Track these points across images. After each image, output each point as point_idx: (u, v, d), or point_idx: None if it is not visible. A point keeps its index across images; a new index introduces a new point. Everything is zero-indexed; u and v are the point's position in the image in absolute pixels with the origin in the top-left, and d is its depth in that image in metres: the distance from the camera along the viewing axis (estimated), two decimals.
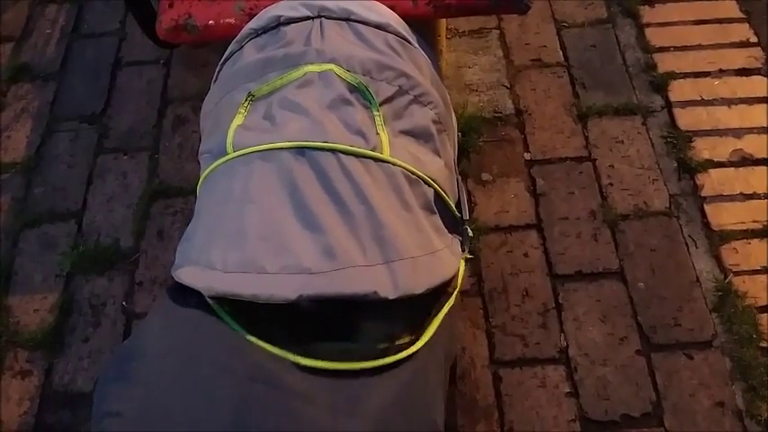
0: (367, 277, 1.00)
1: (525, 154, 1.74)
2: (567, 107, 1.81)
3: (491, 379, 1.44)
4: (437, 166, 1.24)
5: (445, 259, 1.14)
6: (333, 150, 1.09)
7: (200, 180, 1.20)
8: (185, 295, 1.09)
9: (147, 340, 1.04)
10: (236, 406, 0.90)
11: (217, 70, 1.38)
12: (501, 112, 1.80)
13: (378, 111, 1.19)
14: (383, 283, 1.00)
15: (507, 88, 1.86)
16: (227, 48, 1.41)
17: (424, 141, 1.23)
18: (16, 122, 1.91)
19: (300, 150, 1.09)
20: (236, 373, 0.94)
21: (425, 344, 1.04)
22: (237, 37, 1.35)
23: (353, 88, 1.20)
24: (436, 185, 1.20)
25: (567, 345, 1.47)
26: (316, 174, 1.08)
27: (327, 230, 1.02)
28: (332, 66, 1.21)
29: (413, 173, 1.15)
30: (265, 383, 0.93)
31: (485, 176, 1.70)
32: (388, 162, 1.13)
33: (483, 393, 1.42)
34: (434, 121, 1.26)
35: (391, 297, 0.99)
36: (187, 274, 1.05)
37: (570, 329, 1.48)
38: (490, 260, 1.58)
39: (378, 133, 1.16)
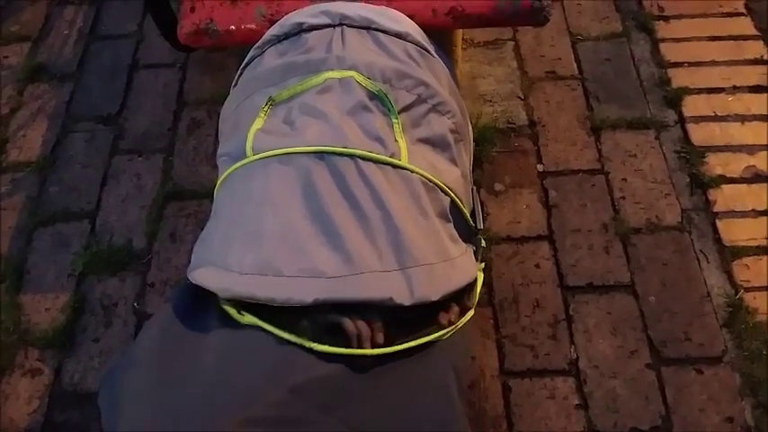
0: (383, 283, 1.00)
1: (538, 165, 1.75)
2: (580, 120, 1.82)
3: (500, 389, 1.44)
4: (454, 176, 1.25)
5: (460, 267, 1.14)
6: (351, 156, 1.10)
7: (219, 182, 1.21)
8: (196, 298, 1.10)
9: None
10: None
11: (237, 75, 1.39)
12: (514, 123, 1.81)
13: (396, 118, 1.20)
14: (399, 290, 1.00)
15: (521, 99, 1.87)
16: (245, 52, 1.42)
17: (441, 150, 1.24)
18: (32, 122, 1.92)
19: (319, 155, 1.10)
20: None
21: (439, 346, 1.05)
22: (259, 42, 1.37)
23: (373, 96, 1.21)
24: (452, 194, 1.20)
25: (577, 356, 1.47)
26: (334, 178, 1.09)
27: (344, 235, 1.03)
28: (352, 73, 1.22)
29: (430, 180, 1.16)
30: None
31: (497, 187, 1.71)
32: (406, 169, 1.14)
33: (492, 403, 1.42)
34: (452, 131, 1.27)
35: (407, 303, 1.00)
36: (203, 276, 1.06)
37: (580, 341, 1.48)
38: (501, 270, 1.58)
39: (396, 140, 1.17)
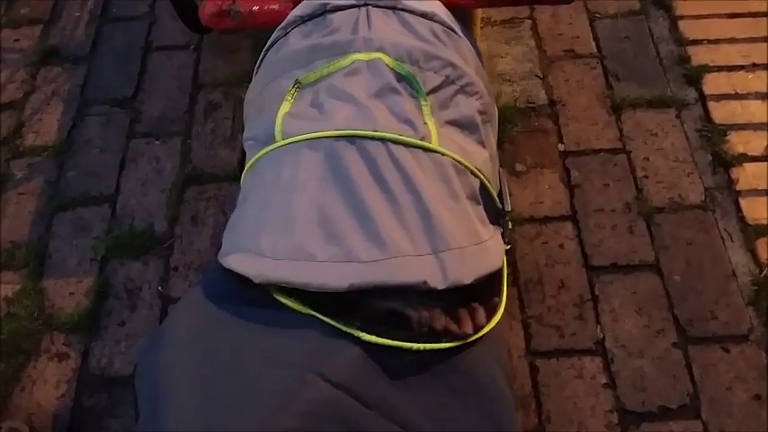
0: (417, 267, 1.00)
1: (559, 145, 1.74)
2: (600, 98, 1.81)
3: (528, 369, 1.44)
4: (482, 157, 1.24)
5: (491, 250, 1.14)
6: (382, 139, 1.09)
7: (247, 167, 1.20)
8: (230, 281, 1.09)
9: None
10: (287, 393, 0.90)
11: (261, 57, 1.38)
12: (534, 103, 1.80)
13: (425, 100, 1.19)
14: (433, 273, 1.00)
15: (540, 79, 1.86)
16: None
17: (469, 132, 1.23)
18: (47, 105, 1.91)
19: (350, 139, 1.09)
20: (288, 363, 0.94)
21: (483, 336, 1.04)
22: (283, 24, 1.35)
23: (401, 77, 1.20)
24: (482, 176, 1.20)
25: (604, 336, 1.47)
26: (365, 162, 1.08)
27: (377, 219, 1.02)
28: (380, 54, 1.21)
29: (460, 163, 1.15)
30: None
31: (519, 167, 1.70)
32: (436, 152, 1.13)
33: (520, 383, 1.42)
34: (480, 112, 1.26)
35: (440, 287, 0.99)
36: (236, 261, 1.05)
37: (606, 321, 1.49)
38: (525, 251, 1.58)
39: (425, 123, 1.16)
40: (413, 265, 1.00)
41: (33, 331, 1.53)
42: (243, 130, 1.77)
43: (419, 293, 1.02)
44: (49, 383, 1.48)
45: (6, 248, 1.66)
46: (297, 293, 1.01)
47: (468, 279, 1.04)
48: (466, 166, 1.16)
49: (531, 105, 1.80)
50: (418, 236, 1.03)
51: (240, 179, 1.70)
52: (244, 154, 1.73)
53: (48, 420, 1.43)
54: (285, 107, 1.19)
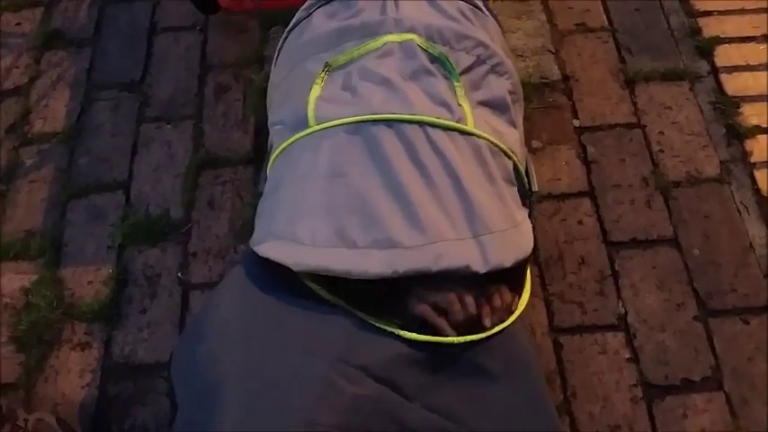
0: (458, 252, 1.00)
1: (574, 121, 1.74)
2: (613, 72, 1.81)
3: (552, 346, 1.46)
4: (513, 138, 1.24)
5: (525, 232, 1.14)
6: (420, 123, 1.09)
7: (276, 152, 1.19)
8: (264, 270, 1.08)
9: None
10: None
11: (282, 39, 1.37)
12: (548, 78, 1.80)
13: (458, 81, 1.18)
14: (474, 258, 1.00)
15: (552, 53, 1.85)
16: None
17: (500, 113, 1.23)
18: (53, 91, 1.88)
19: (388, 123, 1.08)
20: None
21: (517, 318, 1.05)
22: (305, 5, 1.33)
23: (434, 58, 1.19)
24: (515, 158, 1.20)
25: (626, 311, 1.48)
26: (403, 147, 1.07)
27: (417, 204, 1.02)
28: (412, 36, 1.20)
29: (495, 145, 1.15)
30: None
31: (535, 144, 1.70)
32: (473, 134, 1.13)
33: (545, 360, 1.43)
34: (510, 92, 1.26)
35: (482, 271, 1.00)
36: (272, 249, 1.04)
37: (627, 296, 1.50)
38: (545, 228, 1.59)
39: (460, 104, 1.16)
40: (455, 250, 1.00)
41: (54, 321, 1.52)
42: (252, 113, 1.76)
43: (454, 279, 1.02)
44: (72, 373, 1.48)
45: (20, 238, 1.64)
46: (329, 284, 1.01)
47: (508, 262, 1.04)
48: (500, 148, 1.16)
49: (544, 81, 1.79)
50: (458, 220, 1.03)
51: (255, 163, 1.70)
52: (257, 137, 1.73)
53: (74, 410, 1.43)
54: (316, 91, 1.17)
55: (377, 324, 0.96)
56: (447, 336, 0.95)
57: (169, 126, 1.80)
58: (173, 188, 1.70)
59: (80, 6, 2.04)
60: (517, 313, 1.04)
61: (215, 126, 1.79)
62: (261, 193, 1.26)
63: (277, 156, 1.18)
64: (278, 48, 1.38)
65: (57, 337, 1.51)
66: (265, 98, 1.78)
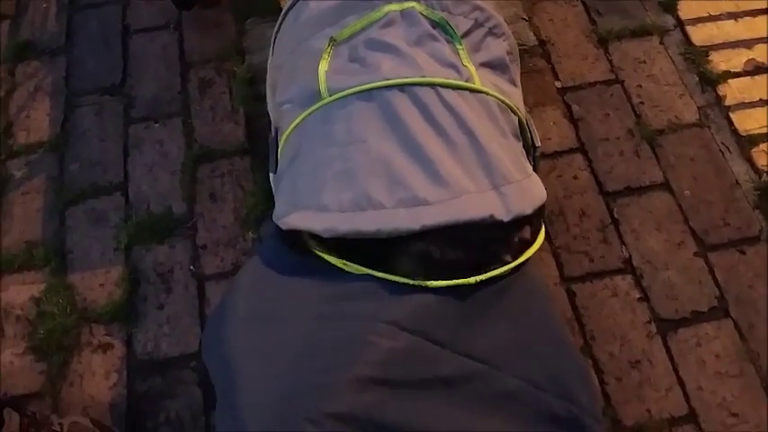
0: (481, 203, 1.04)
1: (556, 82, 1.80)
2: (586, 34, 1.88)
3: (565, 295, 1.52)
4: (517, 96, 1.29)
5: (537, 182, 1.19)
6: (431, 84, 1.13)
7: (290, 128, 1.21)
8: (282, 249, 1.11)
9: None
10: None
11: (279, 22, 1.38)
12: (525, 45, 1.85)
13: (461, 44, 1.22)
14: (497, 207, 1.05)
15: (526, 21, 1.91)
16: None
17: (501, 72, 1.28)
18: (33, 101, 1.85)
19: (400, 87, 1.12)
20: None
21: (528, 260, 1.10)
22: None
23: (435, 24, 1.23)
24: (519, 114, 1.25)
25: (630, 255, 1.55)
26: (418, 108, 1.11)
27: (436, 162, 1.06)
28: (412, 3, 1.23)
29: (503, 102, 1.20)
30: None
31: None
32: (482, 92, 1.17)
33: (561, 309, 1.49)
34: (508, 52, 1.31)
35: (506, 220, 1.05)
36: (300, 220, 1.07)
37: (630, 241, 1.57)
38: (543, 186, 1.64)
39: (465, 65, 1.20)
40: (478, 202, 1.04)
41: (70, 327, 1.51)
42: (240, 104, 1.77)
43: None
44: (97, 375, 1.47)
45: (22, 249, 1.62)
46: (347, 256, 1.04)
47: (529, 209, 1.09)
48: (507, 105, 1.21)
49: (522, 47, 1.84)
50: (478, 174, 1.08)
51: (251, 152, 1.71)
52: (249, 127, 1.74)
53: (104, 410, 1.43)
54: (324, 66, 1.20)
55: (399, 281, 1.00)
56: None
57: (158, 125, 1.79)
58: (171, 185, 1.69)
59: (47, 16, 2.00)
60: (533, 249, 1.10)
61: (205, 120, 1.79)
62: (274, 174, 1.28)
63: (290, 132, 1.20)
64: (275, 31, 1.39)
65: (76, 342, 1.50)
66: (252, 88, 1.81)
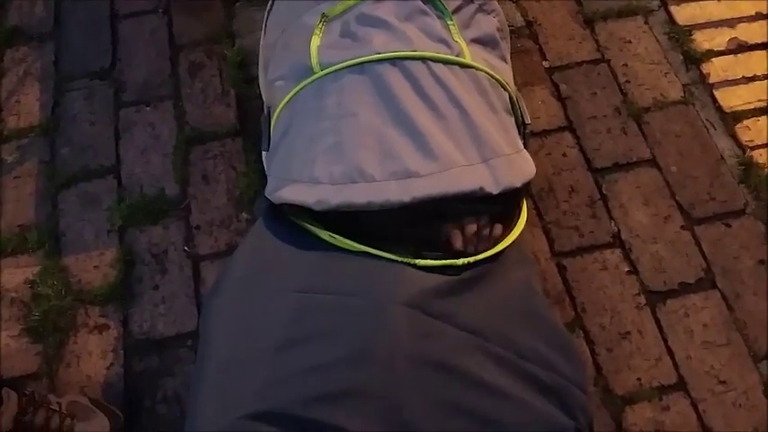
0: (471, 175, 1.07)
1: (544, 62, 1.82)
2: (572, 14, 1.90)
3: (556, 269, 1.54)
4: (507, 72, 1.31)
5: (527, 158, 1.22)
6: (422, 59, 1.14)
7: (282, 104, 1.22)
8: (278, 224, 1.13)
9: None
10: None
11: (271, 1, 1.39)
12: (513, 25, 1.87)
13: (452, 20, 1.24)
14: (486, 180, 1.07)
15: (513, 2, 1.93)
16: None
17: (491, 48, 1.30)
18: (22, 86, 1.84)
19: (392, 61, 1.13)
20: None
21: (517, 238, 1.13)
22: None
23: (426, 0, 1.24)
24: (510, 90, 1.27)
25: (619, 229, 1.58)
26: (409, 82, 1.13)
27: (427, 135, 1.08)
28: None
29: (493, 77, 1.22)
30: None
31: None
32: (472, 67, 1.19)
33: (552, 283, 1.52)
34: (498, 29, 1.32)
35: (495, 192, 1.07)
36: (291, 193, 1.09)
37: (618, 215, 1.60)
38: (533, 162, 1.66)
39: (455, 41, 1.21)
40: (467, 174, 1.06)
41: (65, 308, 1.51)
42: (231, 86, 1.78)
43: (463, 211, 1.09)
44: (94, 355, 1.47)
45: (15, 233, 1.62)
46: (341, 232, 1.06)
47: (518, 182, 1.12)
48: (498, 80, 1.23)
49: (510, 28, 1.84)
50: (468, 147, 1.10)
51: (242, 134, 1.72)
52: (240, 109, 1.75)
53: (102, 390, 1.44)
54: (316, 41, 1.21)
55: (388, 257, 1.01)
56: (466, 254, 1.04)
57: (149, 108, 1.79)
58: (164, 167, 1.70)
59: (35, 1, 1.99)
60: (518, 230, 1.12)
61: (196, 103, 1.79)
62: (266, 152, 1.29)
63: (282, 107, 1.21)
64: (267, 10, 1.40)
65: (71, 323, 1.51)
66: (242, 71, 1.82)
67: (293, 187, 1.09)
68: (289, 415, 0.86)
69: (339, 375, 0.89)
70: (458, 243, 1.07)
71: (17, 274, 1.56)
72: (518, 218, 1.16)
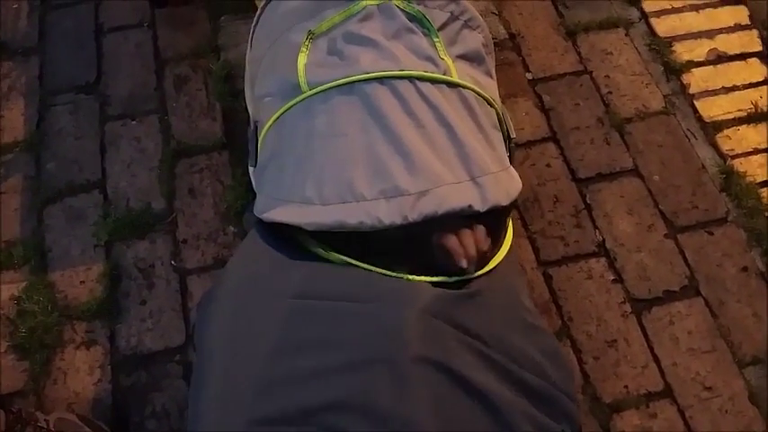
0: (460, 193, 1.08)
1: (527, 74, 1.85)
2: (555, 27, 1.93)
3: (542, 279, 1.56)
4: (493, 88, 1.32)
5: (514, 174, 1.23)
6: (410, 77, 1.15)
7: (270, 122, 1.22)
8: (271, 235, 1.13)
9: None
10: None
11: (257, 15, 1.39)
12: (496, 38, 1.89)
13: (438, 37, 1.25)
14: (474, 198, 1.08)
15: (496, 15, 1.95)
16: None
17: (477, 64, 1.31)
18: (7, 101, 1.84)
19: (380, 80, 1.14)
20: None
21: (507, 254, 1.15)
22: None
23: (412, 17, 1.25)
24: (496, 106, 1.28)
25: (603, 239, 1.60)
26: (397, 101, 1.13)
27: (416, 153, 1.09)
28: None
29: (479, 94, 1.23)
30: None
31: None
32: (459, 85, 1.20)
33: (538, 292, 1.53)
34: (483, 45, 1.34)
35: (483, 210, 1.08)
36: (282, 213, 1.09)
37: (603, 225, 1.62)
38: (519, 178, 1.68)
39: (442, 59, 1.23)
40: (455, 192, 1.07)
41: (52, 324, 1.51)
42: (217, 100, 1.79)
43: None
44: (81, 371, 1.47)
45: (0, 249, 1.61)
46: (332, 245, 1.07)
47: (505, 201, 1.13)
48: (484, 97, 1.24)
49: (494, 40, 1.86)
50: (455, 165, 1.11)
51: (228, 147, 1.73)
52: (226, 123, 1.75)
53: (90, 406, 1.43)
54: (303, 59, 1.21)
55: (388, 274, 1.02)
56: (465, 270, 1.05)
57: (134, 122, 1.79)
58: (150, 181, 1.70)
59: (19, 16, 1.99)
60: (506, 247, 1.14)
61: (181, 117, 1.80)
62: (254, 167, 1.30)
63: (271, 126, 1.21)
64: (253, 24, 1.41)
65: (58, 339, 1.50)
66: (228, 84, 1.83)
67: (284, 208, 1.09)
68: (293, 419, 0.86)
69: (345, 379, 0.89)
70: (455, 246, 1.07)
71: (3, 290, 1.56)
72: (505, 232, 1.17)
